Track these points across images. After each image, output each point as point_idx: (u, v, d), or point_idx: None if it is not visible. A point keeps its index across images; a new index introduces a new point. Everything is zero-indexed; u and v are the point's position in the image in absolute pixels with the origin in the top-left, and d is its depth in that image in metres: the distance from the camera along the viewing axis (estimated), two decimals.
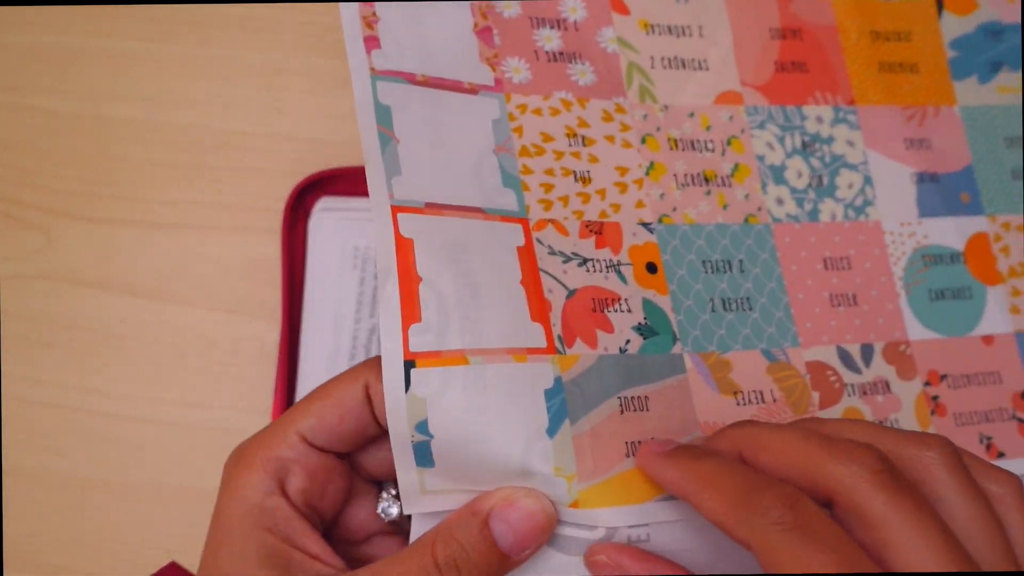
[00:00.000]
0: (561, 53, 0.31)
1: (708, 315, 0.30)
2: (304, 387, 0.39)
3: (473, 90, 0.30)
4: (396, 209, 0.26)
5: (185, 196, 0.42)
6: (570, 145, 0.30)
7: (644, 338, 0.29)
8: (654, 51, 0.32)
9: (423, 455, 0.25)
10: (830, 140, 0.33)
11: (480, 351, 0.25)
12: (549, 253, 0.28)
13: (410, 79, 0.29)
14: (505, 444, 0.25)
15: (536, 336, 0.27)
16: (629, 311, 0.29)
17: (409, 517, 0.26)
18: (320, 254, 0.40)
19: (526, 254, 0.28)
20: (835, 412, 0.30)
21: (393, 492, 0.28)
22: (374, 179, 0.27)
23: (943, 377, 0.32)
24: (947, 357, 0.32)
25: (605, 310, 0.28)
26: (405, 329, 0.25)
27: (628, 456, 0.26)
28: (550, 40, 0.31)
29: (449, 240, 0.27)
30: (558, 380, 0.26)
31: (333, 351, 0.39)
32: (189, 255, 0.42)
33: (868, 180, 0.33)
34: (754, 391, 0.29)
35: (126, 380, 0.41)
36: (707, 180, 0.32)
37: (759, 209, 0.32)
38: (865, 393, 0.31)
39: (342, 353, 0.39)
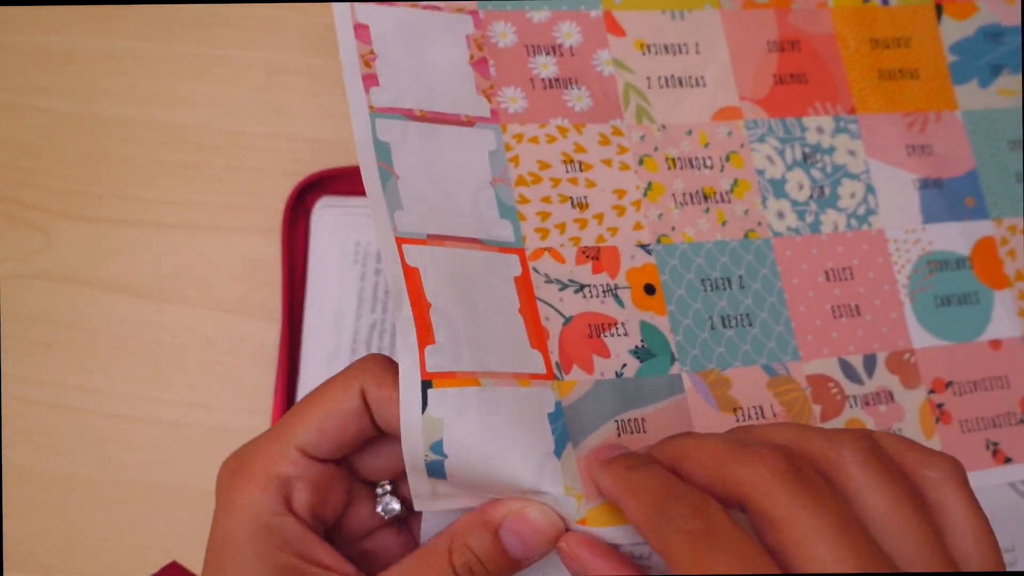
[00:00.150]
0: (557, 79, 0.31)
1: (707, 333, 0.30)
2: (304, 387, 0.39)
3: (470, 122, 0.30)
4: (400, 240, 0.27)
5: (185, 196, 0.42)
6: (567, 172, 0.30)
7: (641, 361, 0.29)
8: (650, 71, 0.32)
9: (436, 471, 0.25)
10: (831, 150, 0.33)
11: (490, 374, 0.26)
12: (546, 282, 0.28)
13: (408, 115, 0.29)
14: (518, 464, 0.25)
15: (536, 363, 0.27)
16: (626, 334, 0.29)
17: (409, 510, 0.27)
18: (321, 250, 0.40)
19: (523, 284, 0.28)
20: (836, 424, 0.30)
21: (388, 487, 0.28)
22: (378, 212, 0.27)
23: (948, 384, 0.32)
24: (953, 364, 0.32)
25: (602, 335, 0.28)
26: (422, 349, 0.25)
27: None
28: (546, 67, 0.31)
29: (451, 270, 0.27)
30: (558, 405, 0.26)
31: (334, 349, 0.39)
32: (189, 255, 0.42)
33: (870, 189, 0.33)
34: (754, 407, 0.29)
35: (126, 380, 0.41)
36: (706, 197, 0.31)
37: (759, 224, 0.32)
38: (867, 404, 0.31)
39: (343, 350, 0.39)
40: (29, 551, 0.39)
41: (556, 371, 0.27)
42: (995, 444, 0.31)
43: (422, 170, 0.28)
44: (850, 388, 0.31)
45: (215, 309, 0.41)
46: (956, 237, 0.33)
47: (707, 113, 0.32)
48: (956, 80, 0.35)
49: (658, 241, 0.30)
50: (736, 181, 0.32)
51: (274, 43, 0.43)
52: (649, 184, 0.31)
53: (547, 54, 0.31)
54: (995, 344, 0.33)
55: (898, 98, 0.34)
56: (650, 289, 0.30)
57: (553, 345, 0.28)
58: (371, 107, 0.28)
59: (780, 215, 0.32)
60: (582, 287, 0.29)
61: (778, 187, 0.32)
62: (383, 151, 0.28)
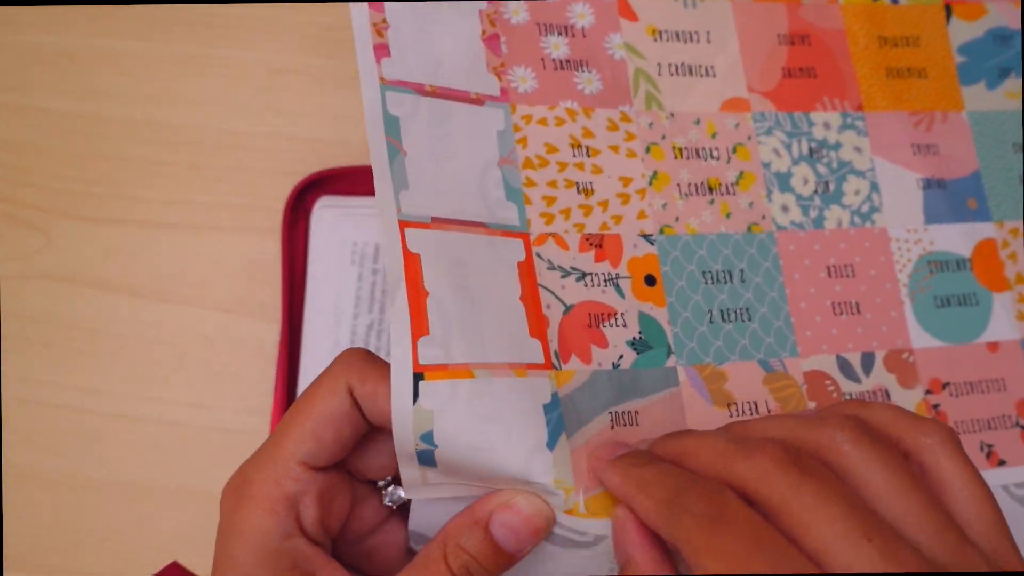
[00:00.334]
0: (568, 61, 0.31)
1: (705, 327, 0.30)
2: (304, 387, 0.39)
3: (480, 100, 0.29)
4: (404, 224, 0.26)
5: (185, 196, 0.42)
6: (574, 156, 0.30)
7: (637, 353, 0.29)
8: (661, 58, 0.32)
9: (426, 458, 0.25)
10: (837, 146, 0.33)
11: (484, 365, 0.25)
12: (548, 268, 0.28)
13: (419, 89, 0.28)
14: (508, 455, 0.25)
15: (535, 352, 0.27)
16: (625, 325, 0.29)
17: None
18: (320, 250, 0.40)
19: (526, 270, 0.28)
20: None
21: (390, 478, 0.28)
22: (382, 192, 0.27)
23: (945, 385, 0.32)
24: (950, 365, 0.32)
25: (601, 325, 0.28)
26: (415, 341, 0.25)
27: None
28: (557, 47, 0.31)
29: (453, 256, 0.27)
30: (555, 395, 0.26)
31: (333, 347, 0.39)
32: (189, 255, 0.42)
33: (875, 186, 0.33)
34: (749, 402, 0.29)
35: (126, 380, 0.41)
36: (711, 189, 0.31)
37: (763, 217, 0.32)
38: None
39: (341, 349, 0.39)
40: (29, 551, 0.39)
41: (555, 360, 0.27)
42: (990, 446, 0.31)
43: (430, 148, 0.28)
44: (846, 386, 0.31)
45: (215, 309, 0.41)
46: (957, 238, 0.33)
47: (716, 103, 0.32)
48: (964, 81, 0.35)
49: (661, 231, 0.30)
50: (742, 173, 0.32)
51: (274, 43, 0.43)
52: (655, 173, 0.31)
53: (559, 34, 0.31)
54: (993, 346, 0.32)
55: (905, 96, 0.34)
56: (651, 280, 0.30)
57: (553, 334, 0.27)
58: (382, 79, 0.28)
59: (784, 209, 0.32)
60: (584, 275, 0.29)
61: (783, 181, 0.32)
62: (392, 125, 0.27)
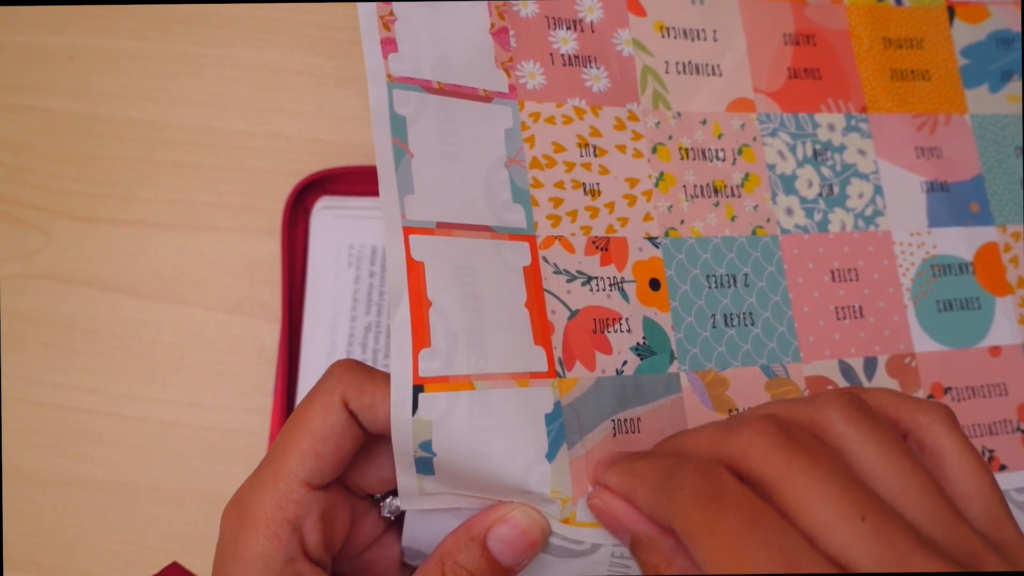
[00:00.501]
0: (576, 56, 0.30)
1: (708, 332, 0.29)
2: (304, 387, 0.39)
3: (487, 97, 0.29)
4: (408, 231, 0.26)
5: (185, 196, 0.42)
6: (581, 156, 0.30)
7: (641, 359, 0.28)
8: (669, 55, 0.32)
9: (424, 466, 0.25)
10: (841, 148, 0.33)
11: (485, 376, 0.25)
12: (554, 272, 0.28)
13: (426, 87, 0.28)
14: (506, 466, 0.25)
15: (538, 360, 0.26)
16: (629, 331, 0.28)
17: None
18: (319, 251, 0.40)
19: (531, 274, 0.27)
20: None
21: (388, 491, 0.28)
22: (387, 198, 0.26)
23: (947, 390, 0.31)
24: (952, 369, 0.32)
25: (605, 331, 0.28)
26: (416, 353, 0.25)
27: None
28: (566, 42, 0.31)
29: (458, 262, 0.26)
30: (557, 404, 0.26)
31: (330, 349, 0.39)
32: (189, 255, 0.42)
33: (879, 189, 0.33)
34: (749, 408, 0.29)
35: (126, 380, 0.41)
36: (716, 191, 0.31)
37: (767, 221, 0.31)
38: None
39: (339, 351, 0.39)
40: (29, 551, 0.39)
41: (559, 368, 0.27)
42: (991, 451, 0.31)
43: (437, 148, 0.27)
44: None
45: (215, 309, 0.41)
46: (959, 242, 0.33)
47: (722, 103, 0.32)
48: (967, 84, 0.35)
49: (666, 234, 0.30)
50: (747, 175, 0.31)
51: (274, 43, 0.43)
52: (661, 174, 0.30)
53: (568, 28, 0.31)
54: (995, 351, 0.32)
55: (909, 99, 0.34)
56: (655, 284, 0.29)
57: (557, 340, 0.27)
58: (389, 76, 0.27)
59: (789, 212, 0.32)
60: (590, 279, 0.28)
61: (788, 183, 0.32)
62: (399, 126, 0.27)
